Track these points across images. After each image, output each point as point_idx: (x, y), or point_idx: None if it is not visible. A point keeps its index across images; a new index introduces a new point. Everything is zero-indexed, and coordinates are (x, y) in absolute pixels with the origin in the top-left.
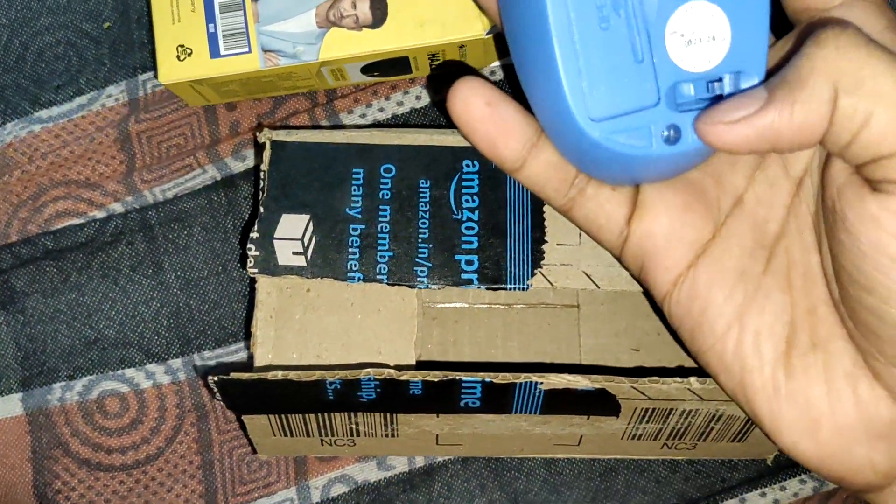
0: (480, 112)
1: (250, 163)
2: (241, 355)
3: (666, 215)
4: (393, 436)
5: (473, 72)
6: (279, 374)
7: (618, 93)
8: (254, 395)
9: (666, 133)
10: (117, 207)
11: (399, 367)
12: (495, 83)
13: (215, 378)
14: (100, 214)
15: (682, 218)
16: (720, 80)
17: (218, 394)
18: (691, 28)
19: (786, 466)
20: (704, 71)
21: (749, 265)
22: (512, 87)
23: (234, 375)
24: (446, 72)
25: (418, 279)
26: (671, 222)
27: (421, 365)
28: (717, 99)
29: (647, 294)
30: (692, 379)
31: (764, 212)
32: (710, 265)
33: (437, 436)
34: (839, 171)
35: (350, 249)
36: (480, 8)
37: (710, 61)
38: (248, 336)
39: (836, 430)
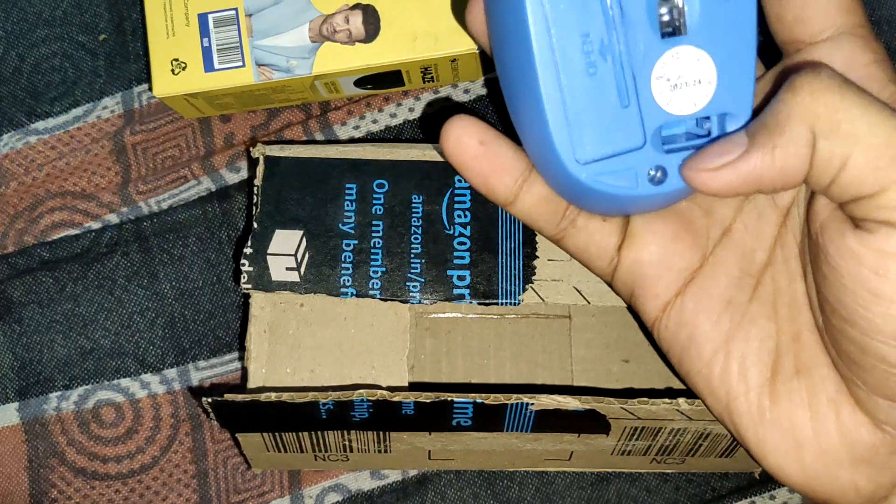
0: (474, 150)
1: (244, 174)
2: (236, 365)
3: (655, 244)
4: (386, 452)
5: (464, 110)
6: (272, 396)
7: (604, 136)
8: (247, 415)
9: (652, 174)
10: (113, 218)
11: (391, 388)
12: (481, 97)
13: (209, 399)
14: (95, 225)
15: (671, 247)
16: (706, 120)
17: (212, 414)
18: (677, 72)
19: None
20: (690, 114)
21: (735, 293)
22: (495, 103)
23: (227, 397)
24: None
25: (411, 294)
26: (660, 251)
27: (413, 386)
28: (704, 139)
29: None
30: (680, 400)
31: (751, 241)
32: (698, 293)
33: (430, 451)
34: (822, 206)
35: (343, 265)
36: (472, 38)
37: (695, 104)
38: (241, 349)
39: (820, 454)
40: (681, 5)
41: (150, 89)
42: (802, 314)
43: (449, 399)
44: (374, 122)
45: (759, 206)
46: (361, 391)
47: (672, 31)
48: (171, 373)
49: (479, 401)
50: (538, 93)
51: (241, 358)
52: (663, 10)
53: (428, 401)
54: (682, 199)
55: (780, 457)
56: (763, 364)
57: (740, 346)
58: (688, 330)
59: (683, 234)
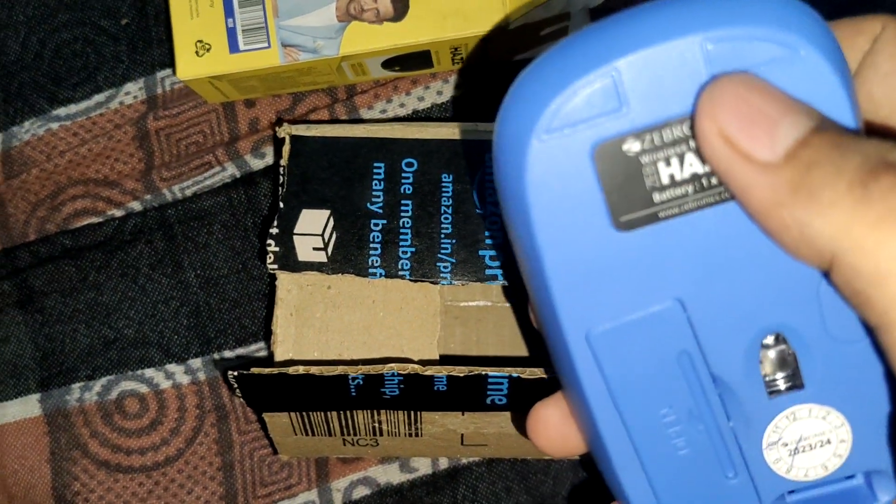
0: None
1: (270, 160)
2: (262, 355)
3: None
4: (417, 435)
5: None
6: (301, 369)
7: None
8: (274, 390)
9: None
10: (136, 206)
11: (423, 362)
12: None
13: (235, 373)
14: (118, 213)
15: None
16: (848, 479)
17: (238, 390)
18: (797, 434)
19: None
20: (821, 478)
21: None
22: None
23: (254, 370)
24: (472, 65)
25: (441, 275)
26: None
27: (445, 360)
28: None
29: None
30: None
31: None
32: None
33: (463, 435)
34: None
35: (371, 245)
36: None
37: (826, 467)
38: (268, 335)
39: None
40: (793, 360)
41: (174, 72)
42: None
43: (483, 373)
44: (402, 105)
45: None
46: (392, 365)
47: (783, 388)
48: (195, 363)
49: (514, 375)
50: (614, 472)
51: (268, 346)
52: (768, 367)
53: (461, 375)
54: None
55: None
56: None
57: None
58: None
59: None
